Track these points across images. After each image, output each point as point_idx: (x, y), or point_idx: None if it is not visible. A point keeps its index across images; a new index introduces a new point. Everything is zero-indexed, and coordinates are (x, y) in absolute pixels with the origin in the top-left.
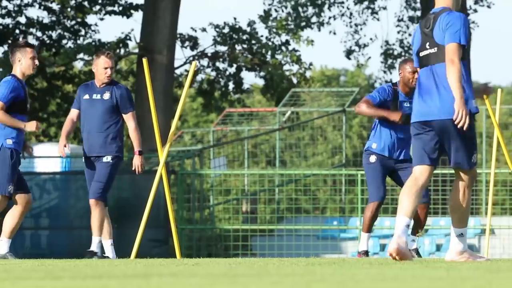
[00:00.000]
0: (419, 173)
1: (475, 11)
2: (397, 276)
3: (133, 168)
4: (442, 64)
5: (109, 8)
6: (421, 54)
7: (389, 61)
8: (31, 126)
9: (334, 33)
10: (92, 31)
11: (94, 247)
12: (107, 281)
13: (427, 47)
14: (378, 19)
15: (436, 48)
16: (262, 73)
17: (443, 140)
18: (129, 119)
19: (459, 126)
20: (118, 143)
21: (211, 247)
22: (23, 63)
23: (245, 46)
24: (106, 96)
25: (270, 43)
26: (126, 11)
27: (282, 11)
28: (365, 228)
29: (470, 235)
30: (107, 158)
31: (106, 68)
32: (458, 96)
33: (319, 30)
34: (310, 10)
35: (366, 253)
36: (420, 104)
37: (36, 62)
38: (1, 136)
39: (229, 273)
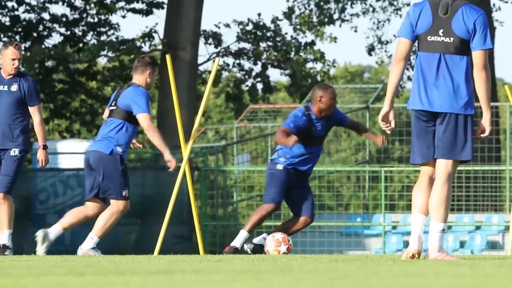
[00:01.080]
0: (431, 171)
1: (499, 8)
2: (420, 273)
3: (37, 162)
4: (455, 56)
5: (131, 6)
6: (430, 38)
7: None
8: (171, 161)
9: (356, 31)
10: (114, 28)
11: (6, 240)
12: (130, 277)
13: (440, 34)
14: (401, 16)
15: (452, 39)
16: (287, 71)
17: (439, 131)
18: (34, 112)
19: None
20: (25, 136)
21: None
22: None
23: (269, 43)
24: (14, 87)
25: (294, 41)
26: (149, 9)
27: (305, 8)
28: (249, 227)
29: (493, 232)
30: (15, 152)
31: (13, 60)
32: (489, 112)
33: (340, 26)
34: (333, 6)
35: (235, 250)
36: (425, 93)
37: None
38: (111, 142)
39: (252, 269)
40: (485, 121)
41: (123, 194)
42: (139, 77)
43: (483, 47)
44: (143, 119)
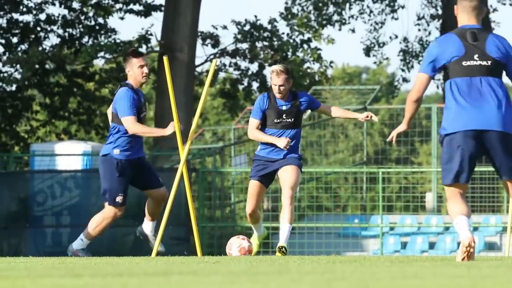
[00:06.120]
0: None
1: (496, 9)
2: (417, 274)
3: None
4: (495, 77)
5: (129, 7)
6: (465, 63)
7: (408, 58)
8: (169, 129)
9: (353, 31)
10: (112, 31)
11: None
12: (128, 279)
13: (476, 58)
14: (396, 19)
15: (490, 62)
16: None
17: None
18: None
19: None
20: None
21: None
22: (132, 73)
23: (266, 43)
24: None
25: (291, 41)
26: (147, 11)
27: (304, 10)
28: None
29: (491, 233)
30: None
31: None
32: None
33: (340, 29)
34: (331, 8)
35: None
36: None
37: (145, 70)
38: (109, 145)
39: (249, 271)
40: None
41: (116, 200)
42: (128, 75)
43: None
44: (125, 123)
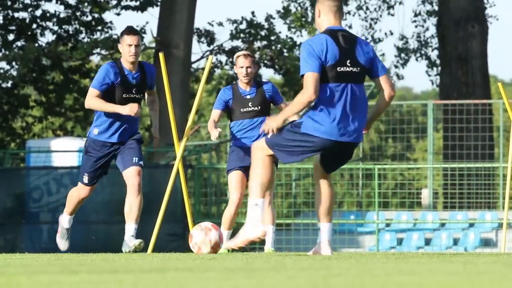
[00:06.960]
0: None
1: (493, 4)
2: (414, 270)
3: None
4: (361, 85)
5: (125, 4)
6: (339, 69)
7: (405, 55)
8: (126, 109)
9: (350, 27)
10: (108, 27)
11: None
12: (124, 276)
13: (348, 64)
14: (393, 15)
15: (359, 69)
16: (281, 70)
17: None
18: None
19: None
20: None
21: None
22: (122, 51)
23: (264, 43)
24: None
25: (288, 40)
26: (143, 6)
27: (301, 7)
28: None
29: (487, 229)
30: None
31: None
32: None
33: None
34: None
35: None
36: (343, 123)
37: (132, 49)
38: (92, 125)
39: (245, 267)
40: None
41: (83, 179)
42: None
43: (385, 72)
44: (87, 95)
